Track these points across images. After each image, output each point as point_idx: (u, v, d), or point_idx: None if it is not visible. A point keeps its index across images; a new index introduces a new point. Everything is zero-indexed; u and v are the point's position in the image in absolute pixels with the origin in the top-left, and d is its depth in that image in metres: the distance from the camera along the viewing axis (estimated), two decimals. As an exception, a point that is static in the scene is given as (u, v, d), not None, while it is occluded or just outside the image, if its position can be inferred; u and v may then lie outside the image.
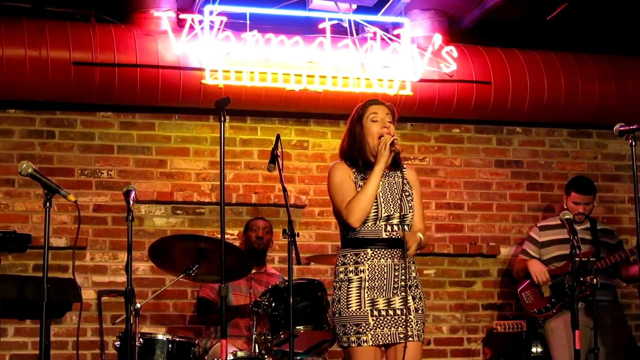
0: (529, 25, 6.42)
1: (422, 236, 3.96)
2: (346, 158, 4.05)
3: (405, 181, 4.00)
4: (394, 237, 3.93)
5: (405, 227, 3.96)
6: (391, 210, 3.94)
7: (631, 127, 4.05)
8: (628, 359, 5.71)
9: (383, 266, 3.91)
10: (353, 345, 3.89)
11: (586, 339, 5.31)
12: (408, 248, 3.86)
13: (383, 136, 3.91)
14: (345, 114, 6.06)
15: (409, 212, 3.98)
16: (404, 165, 4.04)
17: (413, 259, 4.01)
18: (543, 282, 5.70)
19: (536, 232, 5.94)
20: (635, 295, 4.43)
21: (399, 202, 3.96)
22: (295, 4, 5.94)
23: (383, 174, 3.96)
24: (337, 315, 3.96)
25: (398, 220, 3.95)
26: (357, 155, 4.00)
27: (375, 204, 3.91)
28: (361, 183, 3.93)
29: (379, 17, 6.05)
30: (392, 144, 3.87)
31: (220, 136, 3.85)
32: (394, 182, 3.99)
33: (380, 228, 3.93)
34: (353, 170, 3.99)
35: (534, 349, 5.83)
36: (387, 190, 3.96)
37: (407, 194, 4.00)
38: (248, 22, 5.79)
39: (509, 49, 6.31)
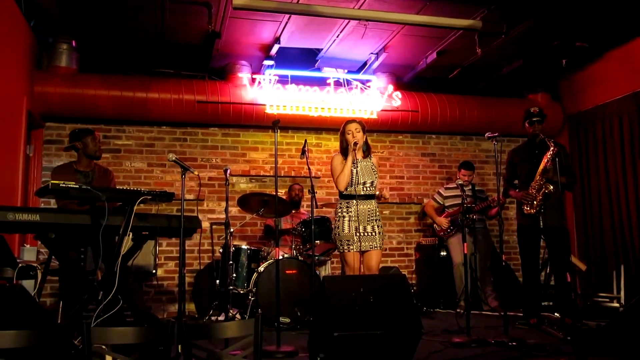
0: (440, 80, 6.32)
1: (386, 193, 4.03)
2: (340, 152, 4.03)
3: (372, 164, 3.99)
4: (367, 194, 3.91)
5: (373, 188, 3.95)
6: (366, 179, 3.92)
7: (494, 135, 4.02)
8: (492, 260, 5.68)
9: (362, 209, 3.89)
10: (345, 251, 3.88)
11: (469, 248, 5.29)
12: (384, 195, 3.99)
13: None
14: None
15: (375, 179, 3.96)
16: (372, 156, 4.03)
17: (377, 205, 3.99)
18: (445, 226, 5.63)
19: (443, 190, 5.87)
20: (496, 224, 4.39)
21: (369, 175, 3.94)
22: (314, 69, 5.87)
23: (361, 160, 3.94)
24: (336, 235, 3.95)
25: (369, 185, 3.93)
26: (342, 152, 4.01)
27: (356, 175, 3.89)
28: None
29: (360, 76, 5.97)
30: (355, 144, 3.87)
31: (275, 140, 3.83)
32: (367, 164, 3.97)
33: (359, 188, 3.90)
34: (342, 158, 3.97)
35: (442, 253, 5.80)
36: (363, 169, 3.94)
37: (374, 171, 3.99)
38: (289, 79, 5.75)
39: (428, 93, 6.21)
